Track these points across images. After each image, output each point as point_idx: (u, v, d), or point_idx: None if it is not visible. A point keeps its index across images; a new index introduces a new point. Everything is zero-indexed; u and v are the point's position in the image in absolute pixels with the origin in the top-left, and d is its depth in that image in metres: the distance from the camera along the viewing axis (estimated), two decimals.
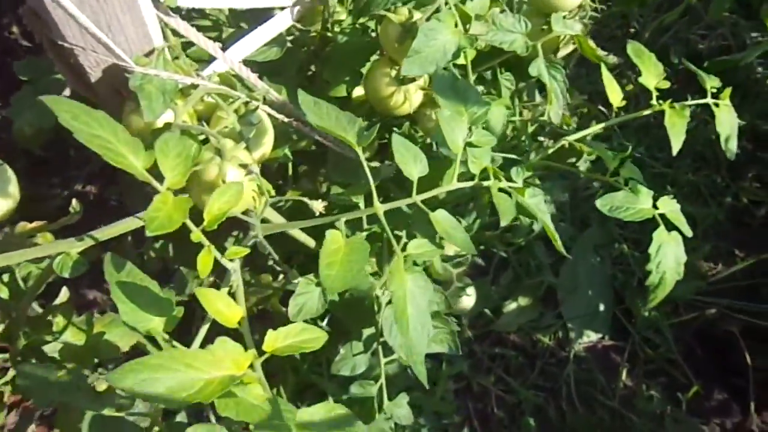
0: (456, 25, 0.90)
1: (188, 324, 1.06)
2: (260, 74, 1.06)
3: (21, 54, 1.91)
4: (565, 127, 1.50)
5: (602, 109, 1.88)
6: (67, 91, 1.01)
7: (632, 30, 1.98)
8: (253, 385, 0.61)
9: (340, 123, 0.78)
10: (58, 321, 0.85)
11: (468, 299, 1.29)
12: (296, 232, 1.00)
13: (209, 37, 1.00)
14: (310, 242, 1.02)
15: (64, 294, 0.88)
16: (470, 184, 0.80)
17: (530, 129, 1.28)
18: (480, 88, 1.17)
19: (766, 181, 1.83)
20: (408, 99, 0.99)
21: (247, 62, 1.01)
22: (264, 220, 0.97)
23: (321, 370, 1.32)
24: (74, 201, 0.90)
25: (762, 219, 1.81)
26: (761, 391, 1.60)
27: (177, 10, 0.90)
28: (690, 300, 1.74)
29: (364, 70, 1.05)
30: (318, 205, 0.74)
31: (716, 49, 1.91)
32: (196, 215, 0.67)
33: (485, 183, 0.81)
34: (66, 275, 0.72)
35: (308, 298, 0.84)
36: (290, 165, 1.10)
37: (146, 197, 0.64)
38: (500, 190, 0.82)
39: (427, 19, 0.89)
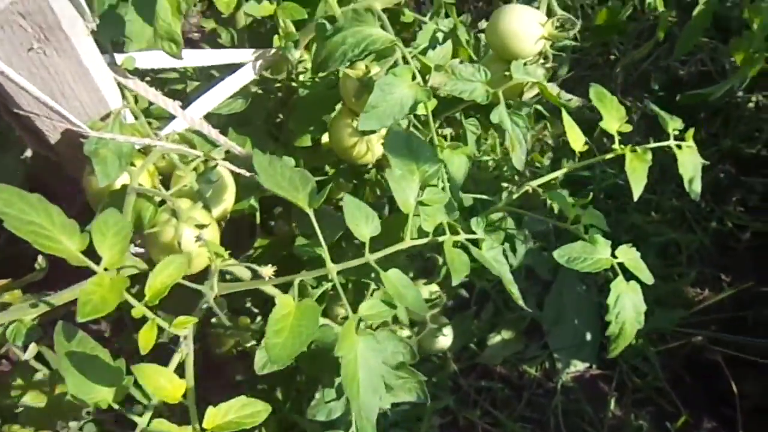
0: (414, 78, 0.90)
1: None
2: (227, 125, 1.07)
3: None
4: (537, 165, 1.51)
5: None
6: (29, 151, 1.02)
7: (612, 57, 1.99)
8: None
9: (293, 183, 0.78)
10: (17, 383, 0.86)
11: (444, 339, 1.29)
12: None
13: (175, 90, 1.01)
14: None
15: (31, 350, 0.88)
16: (424, 241, 0.80)
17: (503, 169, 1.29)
18: (449, 130, 1.18)
19: (750, 204, 1.83)
20: (370, 149, 1.00)
21: (213, 114, 1.02)
22: (228, 273, 0.98)
23: (303, 409, 1.32)
24: (40, 258, 0.90)
25: (746, 243, 1.80)
26: (749, 420, 1.58)
27: (137, 70, 0.91)
28: (677, 327, 1.73)
29: (329, 119, 1.06)
30: (267, 271, 0.75)
31: (696, 74, 1.92)
32: None
33: (440, 239, 0.81)
34: (19, 344, 0.73)
35: None
36: (258, 214, 1.11)
37: None
38: (455, 245, 0.82)
39: (385, 74, 0.89)
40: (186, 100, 1.01)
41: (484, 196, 1.21)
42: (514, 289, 0.87)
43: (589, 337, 1.74)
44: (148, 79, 1.07)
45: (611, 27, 1.45)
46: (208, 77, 1.10)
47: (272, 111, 1.10)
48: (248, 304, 1.38)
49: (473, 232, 0.88)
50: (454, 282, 0.76)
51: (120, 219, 0.64)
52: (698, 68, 1.92)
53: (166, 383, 0.62)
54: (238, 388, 1.43)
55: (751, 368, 1.62)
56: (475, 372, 1.68)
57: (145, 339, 0.61)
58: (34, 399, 0.85)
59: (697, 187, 1.02)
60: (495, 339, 1.66)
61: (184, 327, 0.65)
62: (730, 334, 1.69)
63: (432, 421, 1.57)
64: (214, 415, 0.62)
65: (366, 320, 0.74)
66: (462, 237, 0.83)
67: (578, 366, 1.71)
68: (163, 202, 0.81)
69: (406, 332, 1.22)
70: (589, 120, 1.86)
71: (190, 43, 1.75)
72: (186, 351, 0.67)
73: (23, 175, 1.04)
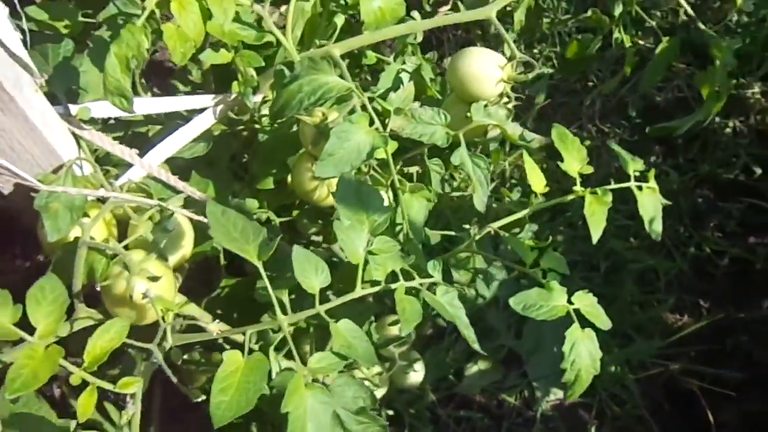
0: (372, 123, 0.91)
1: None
2: (192, 166, 1.07)
3: None
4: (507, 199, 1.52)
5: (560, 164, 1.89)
6: None
7: (590, 84, 2.00)
8: None
9: (245, 234, 0.79)
10: None
11: (416, 375, 1.29)
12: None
13: (138, 132, 1.02)
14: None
15: None
16: (375, 290, 0.81)
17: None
18: (416, 168, 1.18)
19: (728, 230, 1.83)
20: (331, 192, 1.00)
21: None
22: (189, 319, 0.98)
23: None
24: None
25: (725, 269, 1.81)
26: None
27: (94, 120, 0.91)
28: (656, 355, 1.73)
29: (292, 160, 1.07)
30: (214, 327, 0.75)
31: (672, 101, 1.93)
32: None
33: (393, 286, 0.81)
34: None
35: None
36: (222, 255, 1.11)
37: None
38: (410, 291, 0.82)
39: (342, 120, 0.90)
40: (149, 142, 1.02)
41: (452, 233, 1.21)
42: (469, 334, 0.88)
43: None
44: (112, 121, 1.08)
45: (581, 60, 1.46)
46: (172, 118, 1.10)
47: (237, 151, 1.11)
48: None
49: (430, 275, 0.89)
50: (404, 332, 0.76)
51: (57, 286, 0.64)
52: (675, 94, 1.93)
53: None
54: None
55: (727, 398, 1.62)
56: (454, 402, 1.68)
57: (85, 405, 0.61)
58: None
59: (657, 228, 1.02)
60: (472, 369, 1.66)
61: (130, 388, 0.65)
62: (708, 362, 1.69)
63: None
64: None
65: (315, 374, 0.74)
66: (416, 282, 0.84)
67: (558, 394, 1.71)
68: (115, 255, 0.81)
69: (376, 369, 1.22)
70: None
71: (168, 72, 1.75)
72: (132, 412, 0.67)
73: None
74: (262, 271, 0.77)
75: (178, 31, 0.82)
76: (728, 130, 1.90)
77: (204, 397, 1.19)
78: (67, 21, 1.01)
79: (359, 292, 0.79)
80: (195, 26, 0.78)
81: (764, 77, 1.85)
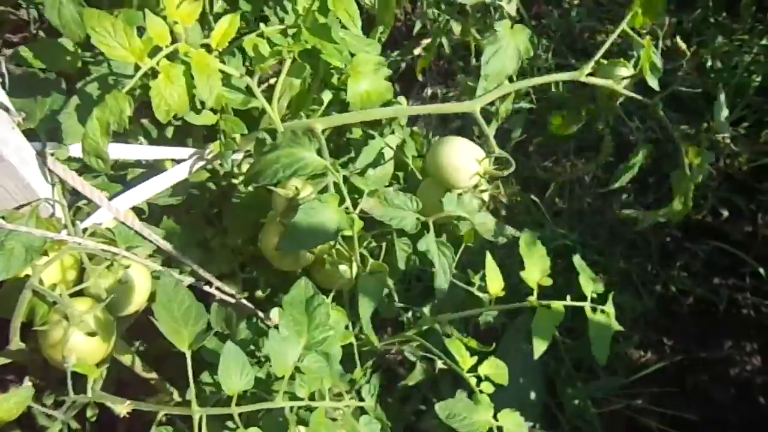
0: (342, 203, 0.93)
1: None
2: (167, 211, 1.10)
3: None
4: None
5: (535, 198, 1.94)
6: None
7: None
8: None
9: (186, 316, 0.80)
10: None
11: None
12: None
13: (115, 175, 1.04)
14: None
15: None
16: (298, 403, 0.82)
17: None
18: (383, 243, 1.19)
19: (693, 270, 1.88)
20: (298, 260, 1.03)
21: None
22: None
23: None
24: None
25: (689, 308, 1.86)
26: None
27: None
28: (620, 389, 1.77)
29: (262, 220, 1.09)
30: (120, 409, 0.77)
31: (645, 140, 1.97)
32: None
33: (314, 404, 0.82)
34: None
35: None
36: None
37: None
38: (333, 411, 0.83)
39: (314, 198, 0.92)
40: (126, 183, 1.05)
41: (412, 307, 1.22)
42: None
43: (533, 396, 1.78)
44: None
45: (564, 136, 1.49)
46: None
47: (213, 201, 1.13)
48: None
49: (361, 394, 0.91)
50: None
51: None
52: (649, 135, 1.97)
53: None
54: None
55: None
56: None
57: None
58: None
59: (603, 352, 1.03)
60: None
61: None
62: (669, 400, 1.74)
63: None
64: None
65: None
66: (343, 404, 0.85)
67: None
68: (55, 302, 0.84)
69: None
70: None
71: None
72: None
73: None
74: (189, 362, 0.79)
75: (161, 92, 0.85)
76: None
77: None
78: (53, 61, 1.03)
79: (279, 403, 0.80)
80: (180, 98, 0.81)
81: (734, 122, 1.91)
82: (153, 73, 0.89)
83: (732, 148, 1.90)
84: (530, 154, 2.06)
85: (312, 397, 0.84)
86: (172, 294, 0.79)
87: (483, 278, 1.10)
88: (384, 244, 1.09)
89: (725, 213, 1.88)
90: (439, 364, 1.10)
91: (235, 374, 0.79)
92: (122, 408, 0.78)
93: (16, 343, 0.85)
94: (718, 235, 1.89)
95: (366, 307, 0.95)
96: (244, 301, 1.03)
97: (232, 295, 1.01)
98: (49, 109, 0.92)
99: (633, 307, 1.83)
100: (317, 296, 0.88)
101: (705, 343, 1.82)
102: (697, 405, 1.73)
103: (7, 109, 0.82)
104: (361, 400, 0.89)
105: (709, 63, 1.93)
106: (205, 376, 0.94)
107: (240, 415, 0.78)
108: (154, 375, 0.79)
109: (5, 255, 0.80)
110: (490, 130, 1.03)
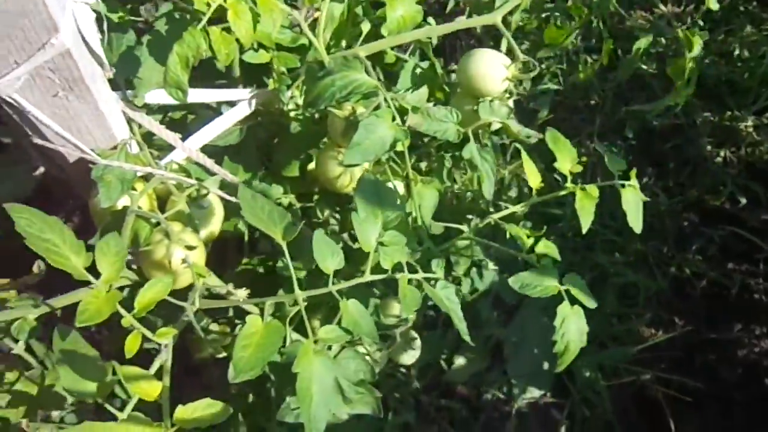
0: (394, 119, 1.01)
1: None
2: (223, 153, 1.18)
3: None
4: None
5: (558, 177, 2.01)
6: (41, 168, 1.13)
7: (593, 102, 2.10)
8: None
9: (272, 218, 0.89)
10: (9, 375, 0.96)
11: (413, 353, 1.38)
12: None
13: (173, 119, 1.13)
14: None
15: (21, 344, 0.98)
16: (382, 276, 0.91)
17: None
18: (425, 163, 1.29)
19: (708, 254, 1.94)
20: (353, 180, 1.11)
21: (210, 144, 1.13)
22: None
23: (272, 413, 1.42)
24: (40, 263, 1.00)
25: (702, 290, 1.92)
26: None
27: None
28: (629, 364, 1.84)
29: (314, 152, 1.18)
30: (241, 293, 0.85)
31: (668, 126, 2.03)
32: None
33: (397, 275, 0.92)
34: (22, 339, 0.84)
35: None
36: (246, 234, 1.22)
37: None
38: (411, 282, 0.93)
39: (369, 115, 1.00)
40: (187, 129, 1.13)
41: (456, 225, 1.31)
42: (462, 326, 0.98)
43: (546, 366, 1.85)
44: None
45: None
46: (203, 107, 1.20)
47: (263, 141, 1.21)
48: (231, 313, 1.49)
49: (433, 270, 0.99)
50: (404, 315, 0.86)
51: (119, 242, 0.75)
52: (671, 121, 2.03)
53: (145, 384, 0.73)
54: (214, 390, 1.54)
55: (692, 408, 1.74)
56: (437, 390, 1.79)
57: (131, 345, 0.72)
58: (25, 388, 0.96)
59: (638, 220, 1.11)
60: (459, 359, 1.77)
61: (166, 337, 0.76)
62: (676, 373, 1.80)
63: None
64: (182, 412, 0.73)
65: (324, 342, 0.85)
66: (420, 275, 0.94)
67: (534, 393, 1.82)
68: (158, 224, 0.92)
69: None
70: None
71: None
72: (165, 357, 0.78)
73: (33, 186, 1.15)
74: (285, 250, 0.87)
75: (222, 35, 0.93)
76: (719, 159, 2.01)
77: (224, 354, 1.30)
78: (121, 13, 1.11)
79: (368, 277, 0.90)
80: (246, 33, 0.89)
81: (757, 112, 1.96)
82: (209, 22, 0.96)
83: (754, 137, 1.95)
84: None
85: (395, 269, 0.92)
86: (252, 203, 0.87)
87: None
88: (425, 166, 1.17)
89: (743, 200, 1.93)
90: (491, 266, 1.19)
91: (327, 256, 0.88)
92: (242, 293, 0.86)
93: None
94: (734, 221, 1.94)
95: (427, 210, 1.04)
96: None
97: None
98: (125, 45, 1.00)
99: (647, 286, 1.90)
100: (382, 184, 0.96)
101: (715, 325, 1.88)
102: (703, 382, 1.79)
103: (103, 65, 0.89)
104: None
105: (737, 52, 1.97)
106: None
107: None
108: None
109: (105, 186, 0.88)
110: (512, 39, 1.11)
